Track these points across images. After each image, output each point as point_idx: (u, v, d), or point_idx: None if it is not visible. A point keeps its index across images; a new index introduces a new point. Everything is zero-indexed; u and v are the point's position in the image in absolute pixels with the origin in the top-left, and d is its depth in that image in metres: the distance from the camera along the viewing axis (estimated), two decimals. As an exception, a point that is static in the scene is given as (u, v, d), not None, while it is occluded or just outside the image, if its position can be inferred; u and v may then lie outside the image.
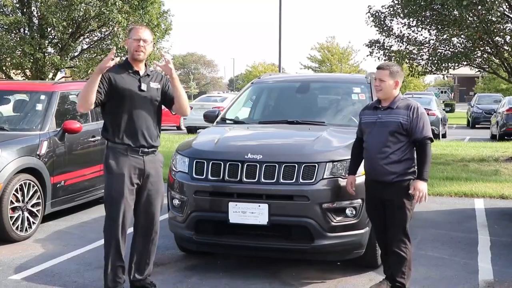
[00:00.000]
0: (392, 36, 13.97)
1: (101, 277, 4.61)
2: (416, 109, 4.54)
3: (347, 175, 4.88)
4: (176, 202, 5.28)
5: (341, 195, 4.86)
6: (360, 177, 4.85)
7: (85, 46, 17.54)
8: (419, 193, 4.44)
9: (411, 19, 13.35)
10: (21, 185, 6.33)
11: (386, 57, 14.02)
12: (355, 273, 5.28)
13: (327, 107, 6.87)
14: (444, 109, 26.17)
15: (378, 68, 4.67)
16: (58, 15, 14.72)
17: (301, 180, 4.90)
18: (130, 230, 4.64)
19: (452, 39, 13.48)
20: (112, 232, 4.47)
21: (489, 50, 13.48)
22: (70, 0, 14.75)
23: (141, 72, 4.55)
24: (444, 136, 20.91)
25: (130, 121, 4.47)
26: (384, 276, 4.76)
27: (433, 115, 18.97)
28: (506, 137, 19.73)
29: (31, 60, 15.24)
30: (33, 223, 6.52)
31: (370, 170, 4.64)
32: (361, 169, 4.83)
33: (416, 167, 4.55)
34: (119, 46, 15.89)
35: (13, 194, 6.22)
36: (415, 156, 4.59)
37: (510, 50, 13.01)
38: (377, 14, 13.95)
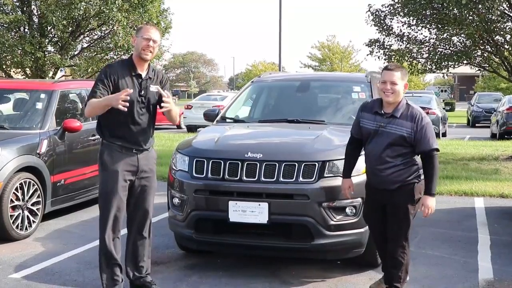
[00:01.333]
0: (392, 35, 13.96)
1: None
2: (420, 120, 4.29)
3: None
4: (176, 201, 5.28)
5: (341, 194, 4.83)
6: (360, 176, 4.83)
7: (85, 45, 17.50)
8: (428, 210, 4.35)
9: (411, 18, 13.33)
10: (21, 183, 6.33)
11: (386, 56, 14.01)
12: (355, 272, 5.28)
13: (327, 106, 6.87)
14: (444, 108, 26.20)
15: (389, 69, 4.35)
16: (58, 13, 14.68)
17: (301, 179, 4.90)
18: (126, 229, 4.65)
19: (452, 38, 13.47)
20: (105, 230, 4.46)
21: (489, 49, 13.47)
22: (70, -1, 14.75)
23: (143, 74, 4.51)
24: (444, 135, 20.92)
25: (127, 128, 4.45)
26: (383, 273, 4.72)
27: (433, 114, 18.95)
28: (506, 136, 19.71)
29: (32, 59, 15.22)
30: (33, 221, 6.53)
31: (371, 178, 4.52)
32: (361, 167, 4.80)
33: (420, 171, 4.42)
34: (119, 45, 15.87)
35: (13, 192, 6.22)
36: (418, 160, 4.45)
37: (510, 49, 13.01)
38: (377, 13, 13.94)
